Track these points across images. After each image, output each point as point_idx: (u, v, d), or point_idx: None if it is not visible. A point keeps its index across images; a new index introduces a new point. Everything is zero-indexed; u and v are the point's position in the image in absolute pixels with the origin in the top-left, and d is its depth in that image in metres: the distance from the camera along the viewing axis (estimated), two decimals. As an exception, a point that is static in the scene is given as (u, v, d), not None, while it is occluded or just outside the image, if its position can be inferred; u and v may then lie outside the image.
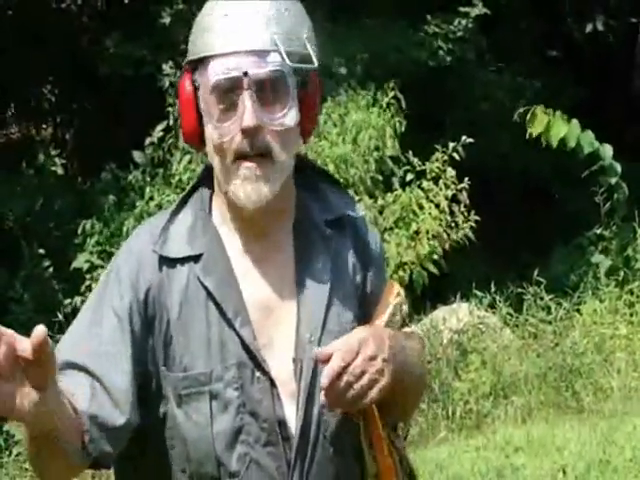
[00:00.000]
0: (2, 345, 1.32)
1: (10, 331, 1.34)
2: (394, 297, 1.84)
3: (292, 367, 1.72)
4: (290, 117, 1.69)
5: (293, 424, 1.71)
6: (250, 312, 1.72)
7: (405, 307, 1.88)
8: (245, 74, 1.65)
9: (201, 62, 1.70)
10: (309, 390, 1.72)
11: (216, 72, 1.67)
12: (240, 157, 1.69)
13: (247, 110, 1.66)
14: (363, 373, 1.64)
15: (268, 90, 1.67)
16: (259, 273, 1.76)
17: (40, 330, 1.31)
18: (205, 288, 1.72)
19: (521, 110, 7.45)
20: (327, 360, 1.64)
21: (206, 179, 1.81)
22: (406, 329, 1.87)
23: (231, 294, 1.72)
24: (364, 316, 1.82)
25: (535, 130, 7.43)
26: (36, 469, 1.63)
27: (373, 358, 1.65)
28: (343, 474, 1.76)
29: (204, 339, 1.70)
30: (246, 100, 1.66)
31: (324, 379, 1.63)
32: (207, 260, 1.74)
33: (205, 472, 1.69)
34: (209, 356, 1.70)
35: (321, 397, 1.66)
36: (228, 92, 1.67)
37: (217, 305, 1.71)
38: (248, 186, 1.69)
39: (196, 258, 1.74)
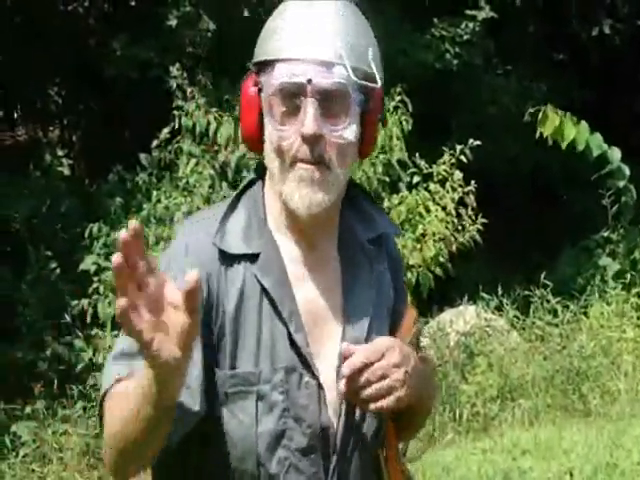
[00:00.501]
0: (152, 283, 1.35)
1: (163, 274, 1.37)
2: (413, 323, 1.88)
3: (334, 376, 1.73)
4: (350, 131, 1.70)
5: (334, 431, 1.74)
6: (302, 318, 1.74)
7: (420, 333, 1.94)
8: (309, 81, 1.66)
9: (267, 64, 1.71)
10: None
11: (282, 75, 1.68)
12: (298, 160, 1.70)
13: (309, 117, 1.67)
14: (384, 377, 1.67)
15: (331, 101, 1.68)
16: (311, 282, 1.78)
17: (193, 275, 1.33)
18: (262, 287, 1.72)
19: (532, 110, 7.38)
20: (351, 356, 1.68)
21: (256, 182, 1.82)
22: (420, 354, 1.90)
23: (287, 296, 1.74)
24: (391, 329, 1.85)
25: (546, 130, 7.33)
26: (123, 454, 1.59)
27: (397, 366, 1.69)
28: None
29: (255, 339, 1.71)
30: (308, 107, 1.67)
31: (345, 368, 1.66)
32: (264, 260, 1.74)
33: (245, 469, 1.71)
34: (258, 356, 1.71)
35: (340, 385, 1.69)
36: (292, 97, 1.68)
37: (273, 305, 1.72)
38: (303, 189, 1.69)
39: (252, 258, 1.74)
